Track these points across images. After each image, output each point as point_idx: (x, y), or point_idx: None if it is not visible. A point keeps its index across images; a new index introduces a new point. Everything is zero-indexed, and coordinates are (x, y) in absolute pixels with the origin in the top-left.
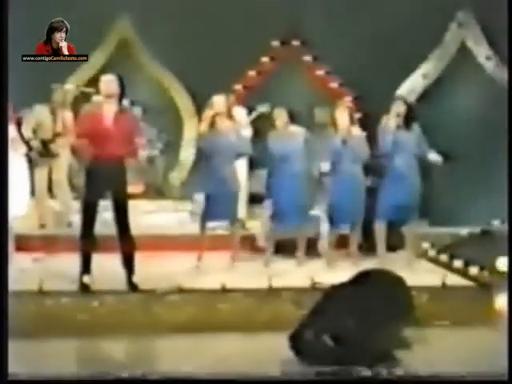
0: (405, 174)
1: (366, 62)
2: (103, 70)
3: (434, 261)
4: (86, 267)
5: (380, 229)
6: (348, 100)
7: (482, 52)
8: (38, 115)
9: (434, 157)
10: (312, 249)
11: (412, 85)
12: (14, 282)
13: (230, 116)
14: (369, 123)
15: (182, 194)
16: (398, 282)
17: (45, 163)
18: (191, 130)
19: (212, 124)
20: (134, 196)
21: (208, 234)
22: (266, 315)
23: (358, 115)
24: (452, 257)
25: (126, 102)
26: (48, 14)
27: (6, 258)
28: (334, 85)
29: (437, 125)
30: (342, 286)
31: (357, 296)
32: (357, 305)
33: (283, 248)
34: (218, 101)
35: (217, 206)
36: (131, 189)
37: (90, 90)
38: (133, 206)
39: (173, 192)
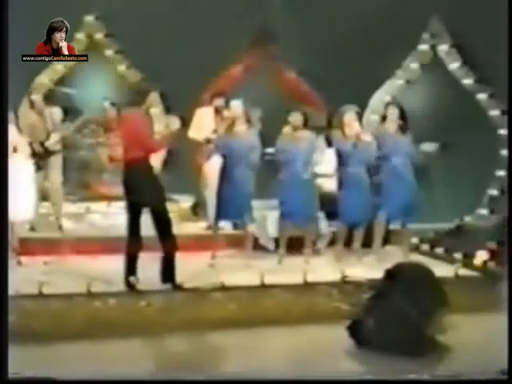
0: (403, 174)
1: (337, 67)
2: (74, 67)
3: (428, 254)
4: (131, 268)
5: (380, 226)
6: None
7: (452, 60)
8: (28, 119)
9: (427, 147)
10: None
11: (388, 89)
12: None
13: (247, 120)
14: None
15: None
16: (430, 272)
17: (44, 165)
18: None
19: (229, 127)
20: (112, 197)
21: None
22: (305, 308)
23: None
24: (447, 250)
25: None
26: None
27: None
28: (305, 88)
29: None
30: (385, 279)
31: (402, 288)
32: (406, 296)
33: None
34: (236, 105)
35: (231, 205)
36: (112, 190)
37: (71, 90)
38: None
39: None
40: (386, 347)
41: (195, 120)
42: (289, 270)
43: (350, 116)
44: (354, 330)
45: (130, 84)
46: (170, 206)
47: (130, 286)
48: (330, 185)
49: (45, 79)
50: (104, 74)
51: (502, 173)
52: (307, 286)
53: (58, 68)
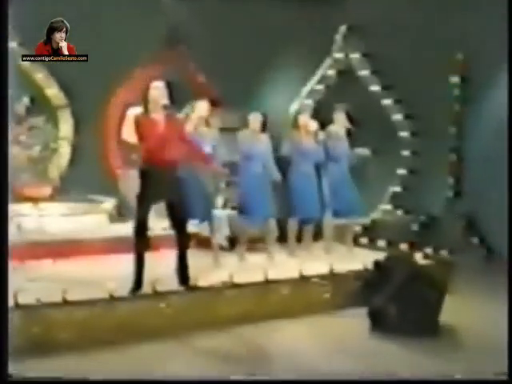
0: (347, 174)
1: (247, 71)
2: None
3: (367, 246)
4: (140, 277)
5: (329, 223)
6: None
7: (362, 68)
8: None
9: (363, 151)
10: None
11: (308, 95)
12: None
13: (207, 122)
14: None
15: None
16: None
17: None
18: (66, 126)
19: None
20: (42, 199)
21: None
22: (303, 300)
23: None
24: (390, 242)
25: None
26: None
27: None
28: (214, 91)
29: None
30: (376, 271)
31: (420, 276)
32: (427, 282)
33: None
34: (201, 105)
35: (201, 206)
36: (37, 192)
37: None
38: (45, 208)
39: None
40: (407, 330)
41: (130, 121)
42: (254, 268)
43: (304, 117)
44: (376, 316)
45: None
46: (95, 208)
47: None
48: None
49: None
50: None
51: (402, 171)
52: (301, 281)
53: None
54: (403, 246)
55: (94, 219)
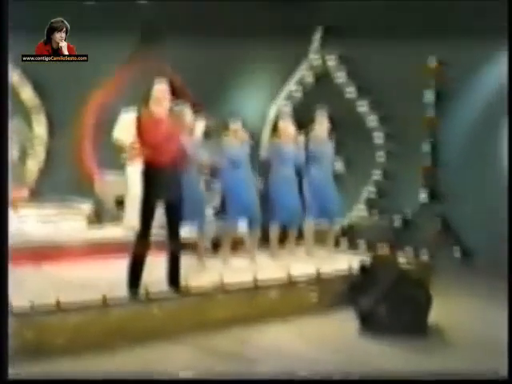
0: (329, 178)
1: (222, 73)
2: None
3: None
4: (136, 277)
5: (310, 226)
6: None
7: (338, 68)
8: None
9: (339, 166)
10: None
11: (287, 99)
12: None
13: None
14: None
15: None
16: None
17: None
18: (41, 129)
19: None
20: (19, 201)
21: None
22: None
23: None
24: (369, 245)
25: None
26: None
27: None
28: (190, 95)
29: None
30: (363, 273)
31: (408, 277)
32: (416, 283)
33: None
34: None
35: (189, 209)
36: (15, 194)
37: None
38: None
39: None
40: (397, 330)
41: (123, 122)
42: (239, 271)
43: (284, 121)
44: (365, 318)
45: None
46: (73, 211)
47: (134, 295)
48: None
49: None
50: None
51: (377, 175)
52: (288, 283)
53: None
54: (382, 249)
55: (72, 223)
